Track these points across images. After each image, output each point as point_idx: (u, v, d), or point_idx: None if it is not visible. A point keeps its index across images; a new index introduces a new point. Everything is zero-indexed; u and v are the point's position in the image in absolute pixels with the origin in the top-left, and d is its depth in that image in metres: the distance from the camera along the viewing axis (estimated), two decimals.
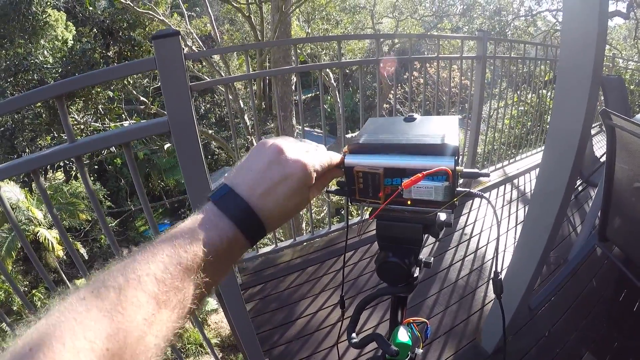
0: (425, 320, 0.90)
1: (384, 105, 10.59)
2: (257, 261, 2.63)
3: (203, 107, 17.23)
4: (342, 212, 12.67)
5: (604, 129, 1.65)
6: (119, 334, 0.30)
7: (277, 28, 7.44)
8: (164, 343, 0.33)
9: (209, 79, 9.47)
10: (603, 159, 2.72)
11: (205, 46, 11.14)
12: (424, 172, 0.49)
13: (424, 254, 0.70)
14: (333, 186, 0.64)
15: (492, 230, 2.84)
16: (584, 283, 2.28)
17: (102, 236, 12.49)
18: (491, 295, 2.24)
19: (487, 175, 0.57)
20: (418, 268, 0.68)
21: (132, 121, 8.02)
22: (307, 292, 2.36)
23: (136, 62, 0.92)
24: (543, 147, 4.25)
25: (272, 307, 2.24)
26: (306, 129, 17.22)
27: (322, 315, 2.16)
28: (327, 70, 10.71)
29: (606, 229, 1.78)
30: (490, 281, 2.34)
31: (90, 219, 11.69)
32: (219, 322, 12.34)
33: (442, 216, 0.60)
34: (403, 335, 0.80)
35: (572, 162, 1.29)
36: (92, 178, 11.39)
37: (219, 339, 11.44)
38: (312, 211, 12.74)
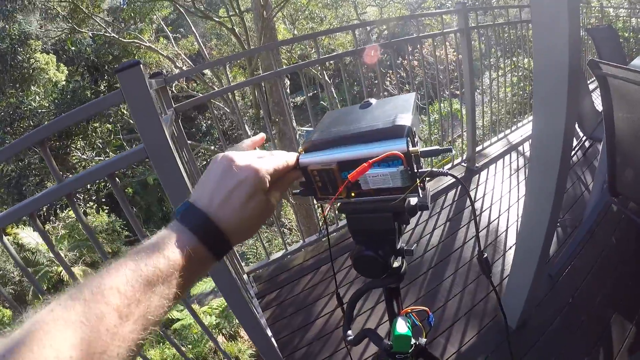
0: (425, 309, 0.87)
1: (381, 94, 10.52)
2: (270, 268, 2.63)
3: (205, 125, 17.42)
4: None
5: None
6: (82, 343, 0.31)
7: (262, 35, 7.44)
8: (127, 353, 0.34)
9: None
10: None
11: (195, 64, 11.21)
12: (370, 161, 0.46)
13: (406, 242, 0.68)
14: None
15: (503, 202, 2.79)
16: (603, 242, 2.21)
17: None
18: (508, 269, 2.19)
19: (450, 150, 0.54)
20: (400, 257, 0.66)
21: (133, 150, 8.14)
22: (323, 291, 2.35)
23: (104, 98, 0.92)
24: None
25: (289, 312, 2.24)
26: (307, 129, 17.24)
27: (339, 312, 2.14)
28: (319, 68, 10.70)
29: (616, 183, 1.72)
30: (507, 254, 2.30)
31: (110, 250, 11.88)
32: None
33: (413, 200, 0.57)
34: (402, 326, 0.78)
35: (563, 116, 1.23)
36: (106, 210, 11.54)
37: (254, 349, 11.52)
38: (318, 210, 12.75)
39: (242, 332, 12.31)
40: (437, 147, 0.53)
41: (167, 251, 0.40)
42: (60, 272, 9.85)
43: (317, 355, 1.89)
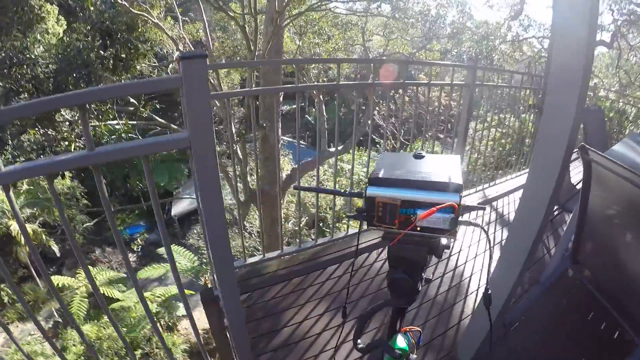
0: (419, 329, 0.99)
1: (368, 122, 10.82)
2: (244, 270, 2.68)
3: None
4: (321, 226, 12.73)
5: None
6: None
7: (270, 40, 7.54)
8: None
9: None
10: (578, 186, 2.91)
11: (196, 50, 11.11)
12: (437, 207, 0.58)
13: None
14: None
15: (471, 250, 2.98)
16: (556, 302, 2.42)
17: (76, 235, 12.16)
18: (467, 311, 2.36)
19: (484, 208, 0.67)
20: (421, 283, 0.78)
21: (122, 122, 7.93)
22: (292, 302, 2.42)
23: (163, 79, 0.96)
24: (521, 172, 4.48)
25: (257, 316, 2.29)
26: (289, 139, 17.31)
27: (307, 325, 2.22)
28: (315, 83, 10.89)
29: (579, 252, 1.92)
30: (468, 297, 2.47)
31: (67, 216, 11.36)
32: (189, 327, 12.11)
33: (444, 240, 0.69)
34: (401, 342, 0.89)
35: (551, 190, 1.41)
36: (70, 175, 11.07)
37: (189, 344, 11.23)
38: (290, 222, 12.81)
39: (180, 326, 12.01)
40: (476, 204, 0.66)
41: None
42: (10, 226, 9.36)
43: None
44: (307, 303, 2.41)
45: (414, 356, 0.91)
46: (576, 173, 2.99)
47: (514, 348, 2.07)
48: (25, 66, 6.61)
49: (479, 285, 2.60)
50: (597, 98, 7.63)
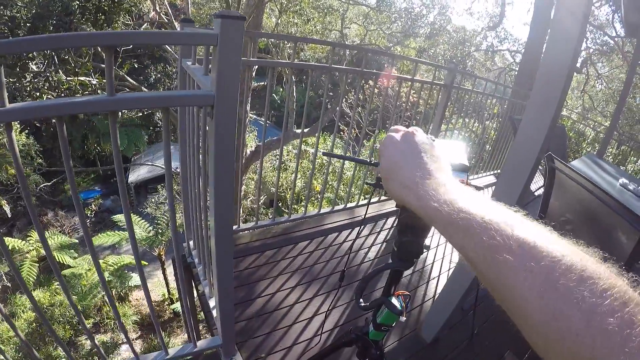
0: (409, 294, 1.10)
1: (336, 108, 10.91)
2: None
3: (153, 76, 16.40)
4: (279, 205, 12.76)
5: (541, 168, 1.99)
6: None
7: (252, 13, 7.41)
8: None
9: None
10: (536, 193, 3.18)
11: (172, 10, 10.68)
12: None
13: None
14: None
15: (434, 239, 3.18)
16: None
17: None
18: (429, 294, 2.54)
19: (481, 188, 0.78)
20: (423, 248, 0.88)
21: (95, 78, 7.48)
22: (266, 274, 2.49)
23: (198, 34, 0.92)
24: (478, 176, 4.76)
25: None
26: (255, 116, 17.09)
27: (280, 296, 2.31)
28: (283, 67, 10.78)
29: None
30: (430, 282, 2.66)
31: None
32: (141, 298, 11.88)
33: None
34: (396, 303, 0.99)
35: (518, 193, 1.59)
36: (26, 131, 10.39)
37: (139, 316, 11.04)
38: (249, 199, 12.74)
39: (132, 296, 11.74)
40: (477, 185, 0.77)
41: None
42: None
43: (257, 331, 2.03)
44: (280, 275, 2.49)
45: (404, 318, 1.01)
46: (534, 182, 3.25)
47: (471, 330, 2.28)
48: (2, 6, 6.04)
49: (440, 272, 2.80)
50: (560, 117, 8.18)
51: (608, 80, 13.97)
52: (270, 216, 3.11)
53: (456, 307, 2.04)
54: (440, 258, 2.97)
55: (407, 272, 2.76)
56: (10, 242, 8.73)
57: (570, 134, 8.18)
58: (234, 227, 2.76)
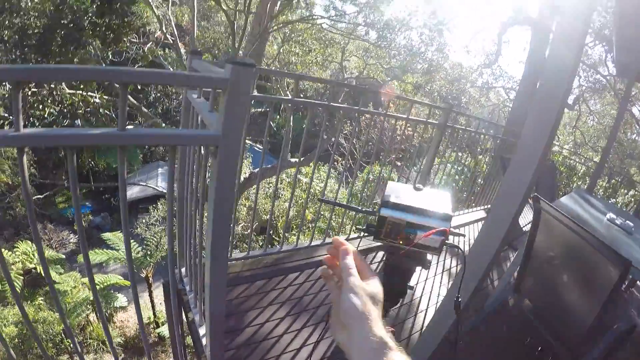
0: (393, 329, 1.15)
1: (326, 137, 11.09)
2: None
3: (153, 95, 16.57)
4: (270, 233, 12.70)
5: (530, 205, 2.08)
6: None
7: (256, 42, 7.65)
8: None
9: None
10: (524, 228, 3.25)
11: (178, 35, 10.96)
12: (434, 230, 0.76)
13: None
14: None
15: (422, 274, 3.22)
16: (497, 328, 2.69)
17: (19, 205, 11.35)
18: (417, 327, 2.57)
19: (463, 235, 0.86)
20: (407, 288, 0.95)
21: (98, 95, 7.50)
22: (255, 304, 2.50)
23: (212, 78, 0.97)
24: (470, 210, 4.85)
25: None
26: (250, 142, 17.22)
27: (269, 326, 2.32)
28: (287, 92, 11.04)
29: (521, 284, 2.19)
30: (418, 315, 2.69)
31: (11, 182, 10.60)
32: (125, 320, 11.62)
33: (429, 256, 0.87)
34: None
35: (505, 230, 1.65)
36: None
37: (123, 338, 10.79)
38: (240, 225, 12.67)
39: (116, 318, 11.48)
40: (458, 231, 0.85)
41: None
42: None
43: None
44: (270, 306, 2.50)
45: None
46: (522, 217, 3.34)
47: None
48: (15, 14, 6.10)
49: (428, 304, 2.83)
50: (551, 152, 8.39)
51: (600, 117, 14.40)
52: (262, 244, 3.14)
53: (443, 339, 2.07)
54: (429, 291, 3.01)
55: (394, 306, 2.79)
56: None
57: (562, 169, 8.37)
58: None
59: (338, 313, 0.62)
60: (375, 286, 0.62)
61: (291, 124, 10.78)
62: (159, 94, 16.42)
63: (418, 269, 0.91)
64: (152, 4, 8.17)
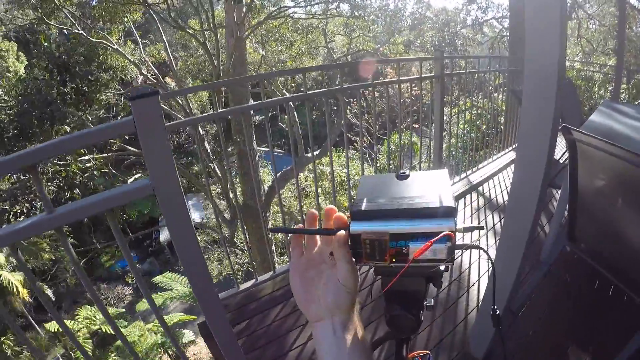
0: (428, 352, 0.93)
1: (341, 122, 10.80)
2: (238, 297, 2.58)
3: None
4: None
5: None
6: None
7: (233, 54, 7.45)
8: None
9: (166, 108, 9.29)
10: (562, 160, 2.92)
11: (160, 73, 10.96)
12: (431, 241, 0.51)
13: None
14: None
15: (465, 238, 2.95)
16: (558, 280, 2.40)
17: (68, 276, 11.80)
18: (472, 304, 2.32)
19: (482, 227, 0.61)
20: (422, 313, 0.71)
21: (93, 156, 7.69)
22: (294, 323, 2.33)
23: (114, 125, 0.85)
24: (501, 153, 4.49)
25: (261, 343, 2.20)
26: (266, 149, 17.17)
27: (312, 345, 2.13)
28: (284, 91, 10.83)
29: (574, 230, 1.90)
30: (471, 289, 2.43)
31: (54, 258, 11.03)
32: (197, 353, 11.91)
33: (442, 266, 0.63)
34: None
35: (543, 169, 1.37)
36: None
37: None
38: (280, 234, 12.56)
39: (188, 353, 11.76)
40: (472, 225, 0.60)
41: None
42: (0, 276, 9.07)
43: None
44: (309, 322, 2.32)
45: None
46: (559, 149, 2.98)
47: (525, 333, 2.04)
48: None
49: (479, 275, 2.57)
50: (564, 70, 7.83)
51: (600, 18, 13.40)
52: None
53: (504, 312, 1.82)
54: (477, 259, 2.74)
55: (444, 284, 2.54)
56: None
57: (579, 82, 7.78)
58: (253, 281, 2.64)
59: (325, 292, 0.62)
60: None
61: (296, 119, 10.59)
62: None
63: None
64: (123, 52, 8.15)
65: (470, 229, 0.59)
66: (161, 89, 9.98)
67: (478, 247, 0.62)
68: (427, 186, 0.62)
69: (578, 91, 7.18)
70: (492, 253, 2.70)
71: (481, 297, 2.32)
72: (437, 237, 0.51)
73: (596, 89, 8.10)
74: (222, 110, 2.11)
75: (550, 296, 2.28)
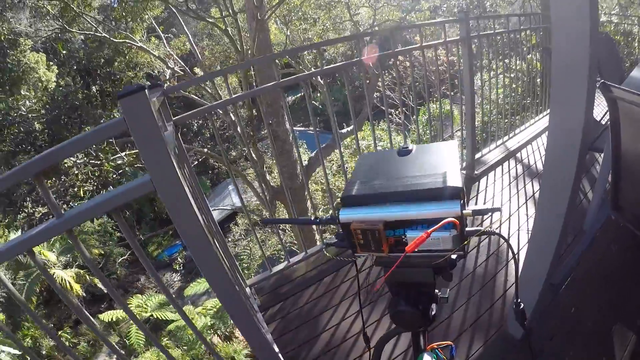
0: (450, 343, 0.87)
1: (375, 94, 10.54)
2: (272, 279, 2.61)
3: (196, 124, 17.23)
4: None
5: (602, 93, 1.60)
6: None
7: (256, 36, 7.39)
8: None
9: (197, 98, 9.45)
10: (603, 121, 2.68)
11: (187, 64, 11.11)
12: (428, 231, 0.45)
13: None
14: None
15: (503, 211, 2.81)
16: (603, 251, 2.23)
17: (118, 268, 12.52)
18: (511, 279, 2.21)
19: (498, 209, 0.54)
20: (434, 304, 0.65)
21: (125, 153, 8.00)
22: (327, 303, 2.33)
23: (105, 126, 0.84)
24: (539, 116, 4.21)
25: (294, 325, 2.22)
26: (301, 129, 17.17)
27: (345, 326, 2.13)
28: (312, 69, 10.67)
29: (619, 198, 1.74)
30: (510, 263, 2.32)
31: (103, 252, 11.72)
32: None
33: (453, 255, 0.56)
34: None
35: (581, 130, 1.24)
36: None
37: (249, 349, 11.50)
38: (320, 210, 12.76)
39: (238, 332, 12.29)
40: (486, 206, 0.53)
41: None
42: (53, 274, 9.72)
43: None
44: (343, 302, 2.31)
45: None
46: (599, 110, 2.73)
47: (567, 310, 1.92)
48: (17, 124, 6.70)
49: (518, 247, 2.44)
50: (599, 25, 7.18)
51: None
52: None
53: (544, 286, 1.70)
54: (516, 230, 2.60)
55: (481, 258, 2.44)
56: (114, 314, 9.51)
57: (618, 38, 7.12)
58: (285, 263, 2.65)
59: None
60: None
61: (331, 97, 10.48)
62: (200, 121, 16.99)
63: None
64: (147, 48, 8.29)
65: (482, 212, 0.52)
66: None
67: (493, 234, 0.55)
68: (432, 163, 0.55)
69: (617, 47, 6.60)
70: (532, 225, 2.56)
71: (520, 270, 2.20)
72: (436, 226, 0.44)
73: (636, 44, 7.39)
74: (235, 95, 2.08)
75: (594, 269, 2.12)
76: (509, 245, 0.58)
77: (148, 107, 0.80)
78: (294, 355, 2.02)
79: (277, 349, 1.98)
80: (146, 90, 0.80)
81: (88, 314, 1.16)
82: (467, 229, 0.49)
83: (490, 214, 0.53)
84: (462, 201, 0.46)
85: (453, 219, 0.44)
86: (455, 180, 0.47)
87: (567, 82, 1.24)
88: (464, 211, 0.46)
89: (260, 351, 1.51)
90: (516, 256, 0.59)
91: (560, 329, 1.84)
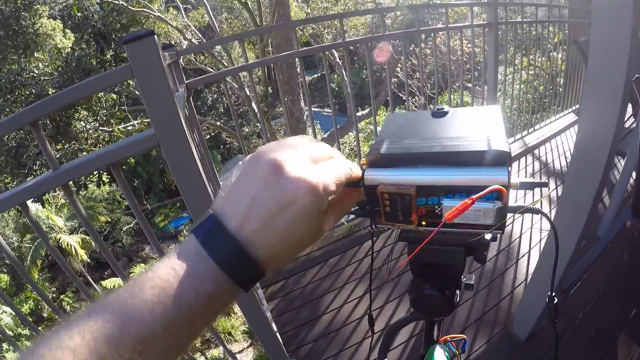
0: (463, 336, 0.81)
1: (393, 80, 10.33)
2: None
3: (210, 98, 17.16)
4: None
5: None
6: None
7: (276, 11, 7.24)
8: None
9: (213, 71, 9.35)
10: (627, 124, 2.55)
11: (205, 37, 10.98)
12: (472, 198, 0.38)
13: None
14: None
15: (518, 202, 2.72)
16: (615, 258, 2.15)
17: (123, 236, 12.67)
18: (520, 277, 2.14)
19: (546, 184, 0.46)
20: (458, 294, 0.58)
21: (137, 122, 7.98)
22: (331, 285, 2.29)
23: (109, 73, 0.78)
24: (559, 115, 4.07)
25: (295, 305, 2.19)
26: (315, 109, 17.06)
27: (347, 309, 2.09)
28: (332, 49, 10.49)
29: None
30: (520, 261, 2.24)
31: (110, 220, 11.85)
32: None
33: (487, 235, 0.49)
34: (440, 355, 0.72)
35: (611, 135, 1.18)
36: (107, 179, 11.63)
37: (247, 325, 11.64)
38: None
39: (237, 308, 12.43)
40: (532, 179, 0.45)
41: (174, 298, 0.30)
42: (59, 239, 9.88)
43: (323, 353, 1.86)
44: (347, 284, 2.27)
45: None
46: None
47: (575, 315, 1.85)
48: (28, 86, 6.66)
49: (530, 246, 2.36)
50: None
51: None
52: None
53: (556, 289, 1.64)
54: (529, 227, 2.52)
55: (490, 253, 2.36)
56: (116, 282, 9.68)
57: None
58: None
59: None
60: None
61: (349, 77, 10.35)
62: (215, 95, 16.92)
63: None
64: (165, 18, 8.18)
65: (530, 186, 0.45)
66: (207, 52, 10.02)
67: (539, 212, 0.47)
68: (473, 125, 0.48)
69: None
70: (546, 225, 2.47)
71: (531, 270, 2.13)
72: (481, 193, 0.37)
73: None
74: (252, 62, 2.01)
75: (604, 276, 2.04)
76: (554, 228, 0.50)
77: (156, 54, 0.74)
78: (292, 335, 1.99)
79: (275, 328, 1.95)
80: (155, 35, 0.73)
81: (74, 273, 1.14)
82: (511, 205, 0.42)
83: (536, 188, 0.46)
84: (509, 168, 0.38)
85: (500, 187, 0.36)
86: (502, 144, 0.40)
87: (602, 79, 1.18)
88: (511, 181, 0.38)
89: (258, 329, 1.48)
90: (558, 242, 0.51)
91: (566, 334, 1.77)
